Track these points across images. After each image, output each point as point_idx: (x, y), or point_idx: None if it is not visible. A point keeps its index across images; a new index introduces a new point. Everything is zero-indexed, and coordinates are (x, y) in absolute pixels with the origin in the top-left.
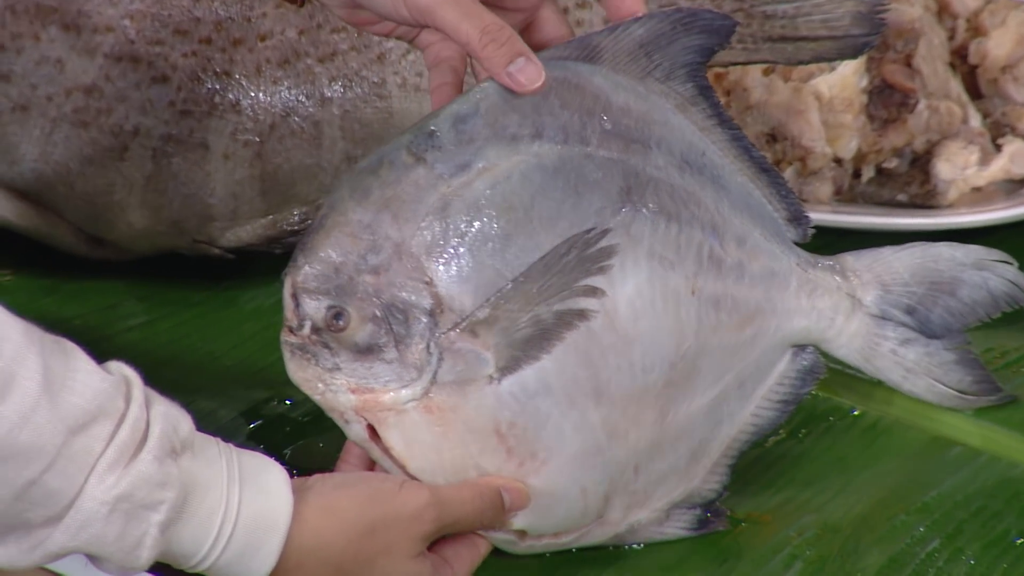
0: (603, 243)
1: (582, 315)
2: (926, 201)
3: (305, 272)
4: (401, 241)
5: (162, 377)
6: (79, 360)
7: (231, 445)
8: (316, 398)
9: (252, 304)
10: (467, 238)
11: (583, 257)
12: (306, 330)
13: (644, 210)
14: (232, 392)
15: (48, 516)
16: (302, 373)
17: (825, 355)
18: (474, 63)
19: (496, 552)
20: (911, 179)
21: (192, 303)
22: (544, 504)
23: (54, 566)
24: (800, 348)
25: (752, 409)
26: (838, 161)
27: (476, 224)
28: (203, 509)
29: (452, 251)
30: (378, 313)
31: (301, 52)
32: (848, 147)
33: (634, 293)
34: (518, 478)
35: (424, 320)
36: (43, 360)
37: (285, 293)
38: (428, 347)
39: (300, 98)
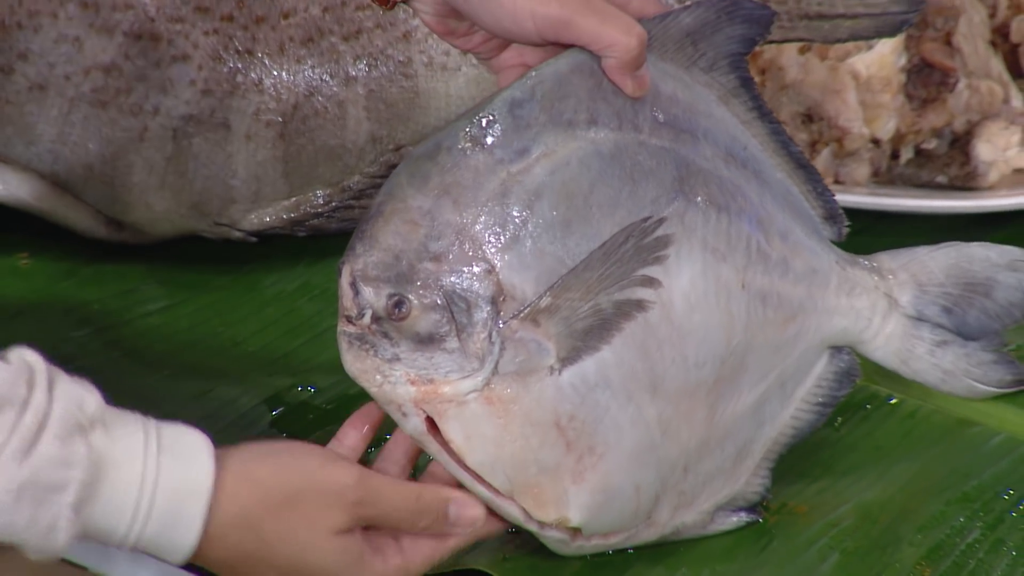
0: (659, 232)
1: (640, 305)
2: (966, 183)
3: (365, 260)
4: (462, 227)
5: (182, 363)
6: None
7: (151, 418)
8: (373, 390)
9: (275, 288)
10: (529, 225)
11: (640, 246)
12: (366, 319)
13: (696, 200)
14: (254, 378)
15: None
16: (359, 364)
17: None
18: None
19: (541, 551)
20: (950, 160)
21: (213, 287)
22: (600, 502)
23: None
24: (837, 350)
25: (792, 411)
26: (876, 142)
27: (537, 211)
28: (119, 484)
29: (514, 238)
30: (439, 301)
31: (325, 30)
32: (886, 128)
33: (689, 285)
34: (576, 474)
35: (486, 308)
36: None
37: (343, 282)
38: (490, 336)
39: (324, 77)
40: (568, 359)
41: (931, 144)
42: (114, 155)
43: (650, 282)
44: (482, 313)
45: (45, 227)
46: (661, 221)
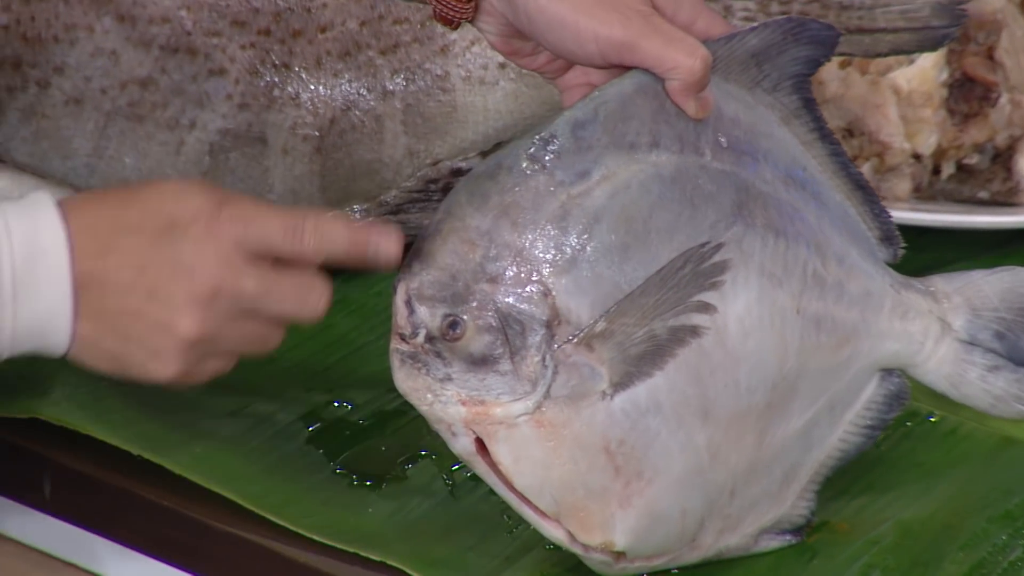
0: (717, 258)
1: (695, 331)
2: (1008, 199)
3: (421, 279)
4: (520, 249)
5: (218, 379)
6: None
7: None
8: (423, 409)
9: None
10: (587, 249)
11: (698, 272)
12: (419, 338)
13: (755, 225)
14: (290, 394)
15: None
16: (411, 383)
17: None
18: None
19: (580, 568)
20: (992, 176)
21: None
22: (645, 526)
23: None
24: (887, 372)
25: (840, 434)
26: (917, 157)
27: (596, 234)
28: None
29: (572, 261)
30: (495, 323)
31: (362, 44)
32: (927, 142)
33: (744, 311)
34: (624, 498)
35: (541, 332)
36: None
37: (397, 300)
38: (544, 360)
39: (361, 91)
40: (620, 384)
41: (973, 159)
42: (151, 169)
43: (706, 308)
44: (536, 336)
45: None
46: (719, 247)
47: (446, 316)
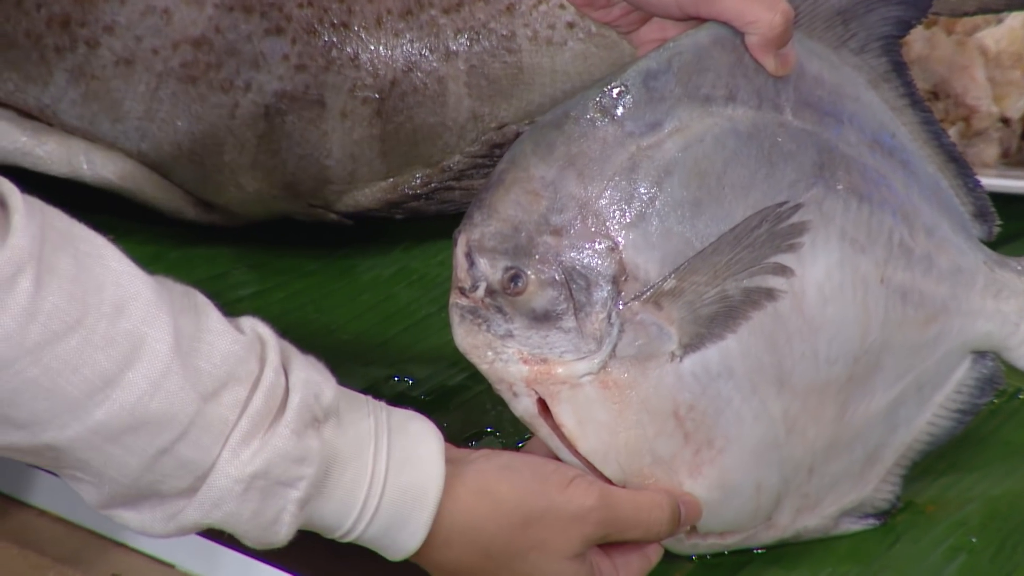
0: (795, 218)
1: (770, 294)
2: None
3: (482, 230)
4: (586, 201)
5: None
6: (210, 319)
7: (382, 403)
8: (483, 367)
9: (371, 274)
10: (657, 202)
11: (774, 232)
12: (480, 292)
13: (837, 188)
14: (349, 368)
15: (181, 488)
16: (471, 339)
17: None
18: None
19: None
20: None
21: (306, 272)
22: (717, 499)
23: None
24: (980, 355)
25: (928, 416)
26: (1005, 121)
27: (666, 188)
28: (345, 482)
29: (640, 215)
30: (558, 277)
31: (425, 2)
32: (1016, 106)
33: (824, 276)
34: (693, 467)
35: (607, 288)
36: (174, 320)
37: (458, 252)
38: (609, 317)
39: (423, 52)
40: (691, 346)
41: None
42: (204, 133)
43: (782, 270)
44: (602, 292)
45: (131, 209)
46: (798, 207)
47: (508, 269)
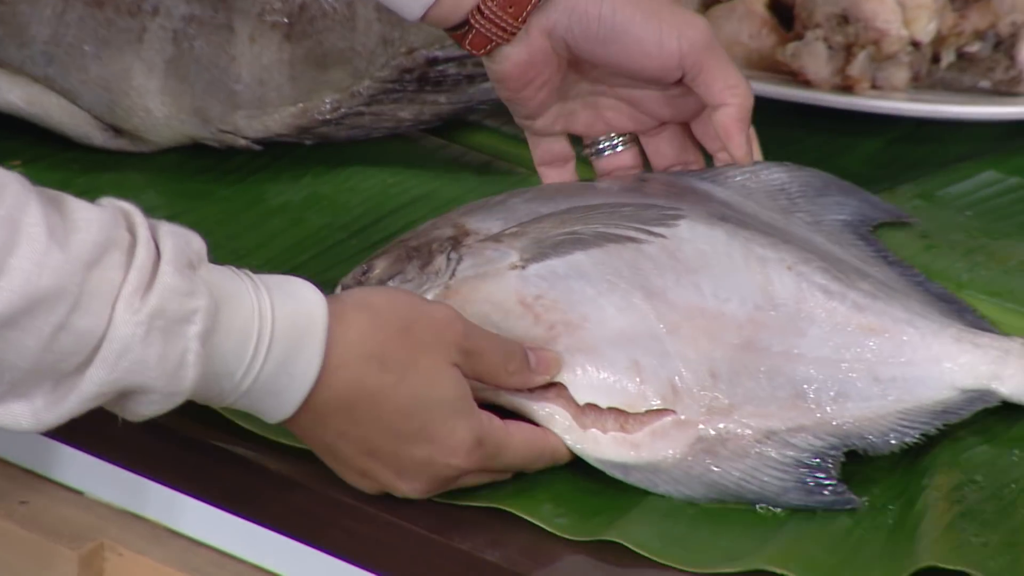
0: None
1: (628, 239)
2: (1011, 88)
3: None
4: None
5: None
6: (72, 201)
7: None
8: None
9: (280, 199)
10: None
11: (639, 215)
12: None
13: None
14: None
15: (81, 361)
16: None
17: None
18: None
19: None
20: (994, 64)
21: (216, 198)
22: (583, 363)
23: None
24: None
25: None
26: (915, 45)
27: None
28: (238, 318)
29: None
30: (403, 255)
31: None
32: (926, 30)
33: (706, 245)
34: (550, 339)
35: (447, 245)
36: (42, 206)
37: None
38: (448, 256)
39: None
40: (533, 259)
41: (974, 47)
42: (111, 58)
43: (646, 231)
44: (442, 248)
45: (38, 134)
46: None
47: (364, 271)
